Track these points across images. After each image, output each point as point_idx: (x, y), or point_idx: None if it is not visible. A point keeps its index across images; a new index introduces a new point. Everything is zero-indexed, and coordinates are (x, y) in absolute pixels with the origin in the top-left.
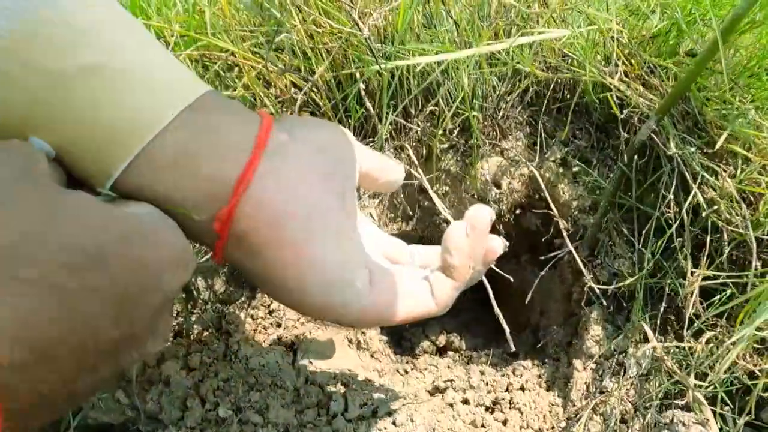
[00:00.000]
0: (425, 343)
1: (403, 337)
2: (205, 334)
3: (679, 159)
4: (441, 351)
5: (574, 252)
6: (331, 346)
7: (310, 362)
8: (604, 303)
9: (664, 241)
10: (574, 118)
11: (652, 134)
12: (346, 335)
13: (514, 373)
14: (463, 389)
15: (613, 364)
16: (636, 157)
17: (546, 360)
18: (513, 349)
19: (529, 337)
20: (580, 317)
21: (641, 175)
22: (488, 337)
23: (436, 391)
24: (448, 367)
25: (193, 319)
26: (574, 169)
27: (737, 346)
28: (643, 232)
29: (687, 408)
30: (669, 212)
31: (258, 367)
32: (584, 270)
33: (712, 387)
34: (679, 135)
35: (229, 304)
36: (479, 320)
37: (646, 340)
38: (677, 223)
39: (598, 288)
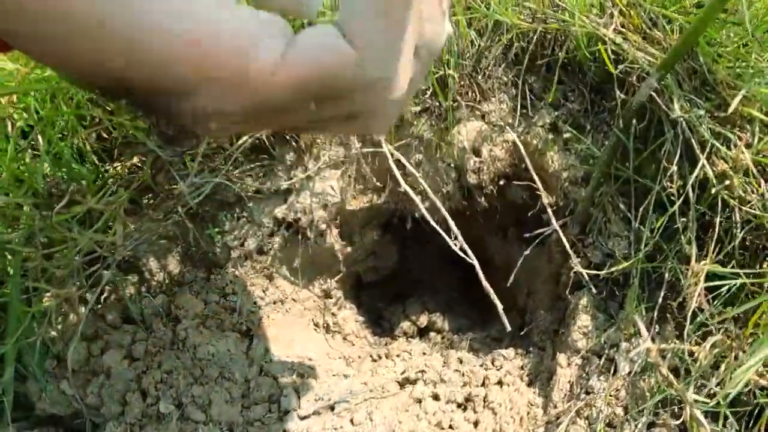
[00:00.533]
0: (405, 324)
1: (382, 317)
2: (154, 320)
3: (684, 124)
4: (422, 332)
5: (559, 232)
6: (294, 331)
7: (267, 350)
8: (593, 290)
9: (665, 220)
10: (565, 77)
11: (652, 94)
12: (312, 318)
13: (493, 364)
14: (434, 382)
15: (603, 360)
16: (634, 121)
17: (530, 349)
18: (509, 328)
19: (516, 320)
20: (568, 303)
21: (640, 143)
22: (473, 318)
23: (406, 382)
24: (424, 353)
25: (143, 303)
26: (565, 136)
27: (753, 361)
28: (641, 208)
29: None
30: (672, 187)
31: (206, 357)
32: (571, 252)
33: (715, 403)
34: (685, 96)
35: (181, 286)
36: (463, 299)
37: (641, 333)
38: (681, 199)
39: (587, 273)
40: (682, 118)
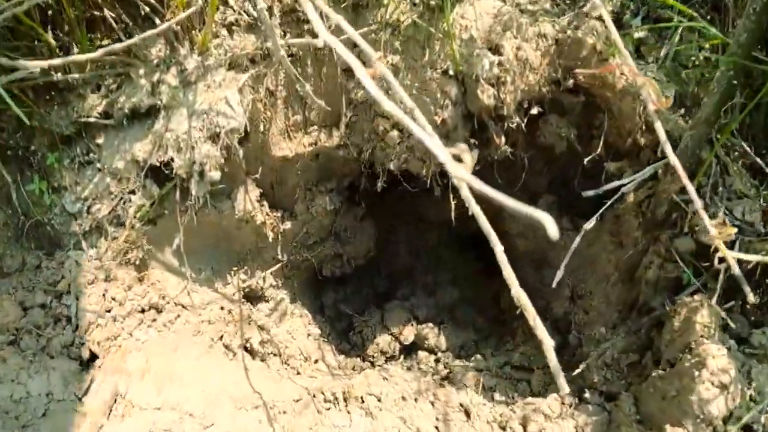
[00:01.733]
0: (383, 339)
1: (352, 327)
2: None
3: None
4: (408, 350)
5: (680, 172)
6: (181, 359)
7: (118, 395)
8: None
9: None
10: None
11: None
12: (220, 335)
13: (525, 427)
14: None
15: None
16: None
17: (586, 395)
18: (566, 389)
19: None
20: (661, 319)
21: None
22: (481, 328)
23: None
24: (403, 398)
25: None
26: (638, 34)
27: None
28: None
29: None
30: None
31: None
32: (702, 214)
33: None
34: None
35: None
36: (471, 301)
37: None
38: None
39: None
40: None
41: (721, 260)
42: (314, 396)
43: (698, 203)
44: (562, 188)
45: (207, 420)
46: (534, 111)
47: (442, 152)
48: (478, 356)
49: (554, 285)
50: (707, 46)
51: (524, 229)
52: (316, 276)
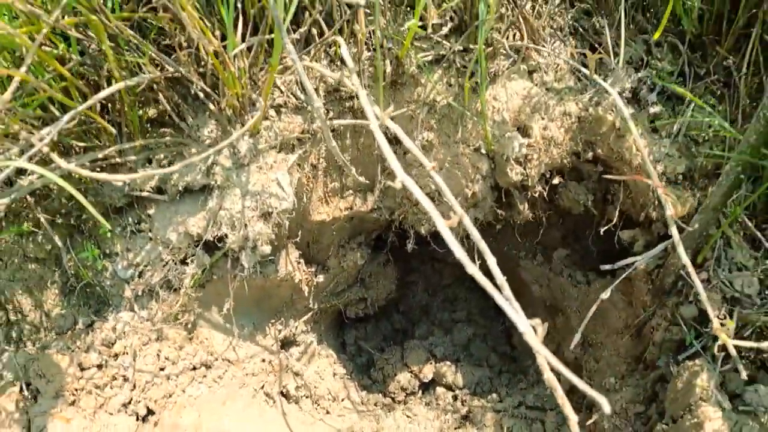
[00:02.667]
0: (403, 376)
1: (373, 363)
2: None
3: None
4: (425, 387)
5: (686, 261)
6: (229, 410)
7: None
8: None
9: None
10: (645, 20)
11: None
12: (262, 385)
13: None
14: None
15: None
16: None
17: None
18: (574, 425)
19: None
20: (664, 375)
21: None
22: (496, 364)
23: None
24: None
25: None
26: (653, 110)
27: None
28: None
29: None
30: None
31: None
32: (699, 289)
33: None
34: None
35: (59, 335)
36: (484, 337)
37: None
38: None
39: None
40: None
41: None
42: None
43: (700, 288)
44: (575, 242)
45: None
46: (555, 181)
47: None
48: (494, 395)
49: (572, 347)
50: (716, 122)
51: (539, 277)
52: (339, 317)
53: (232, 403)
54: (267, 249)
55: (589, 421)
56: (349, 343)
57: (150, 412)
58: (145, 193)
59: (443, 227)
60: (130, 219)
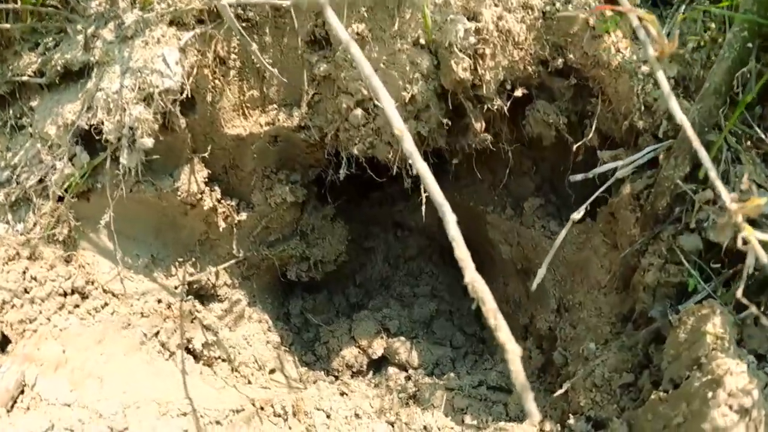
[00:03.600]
0: (350, 352)
1: (318, 338)
2: None
3: None
4: (376, 366)
5: (689, 132)
6: (108, 359)
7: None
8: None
9: None
10: None
11: None
12: (155, 330)
13: None
14: None
15: None
16: None
17: (571, 421)
18: (536, 416)
19: (534, 355)
20: (673, 334)
21: None
22: (459, 346)
23: None
24: (357, 415)
25: None
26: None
27: None
28: None
29: None
30: None
31: None
32: (719, 185)
33: None
34: None
35: None
36: (450, 316)
37: None
38: None
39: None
40: None
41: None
42: (262, 408)
43: (713, 173)
44: (551, 192)
45: (118, 423)
46: (518, 92)
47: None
48: (451, 374)
49: (533, 287)
50: (713, 26)
51: (508, 235)
52: (280, 279)
53: (111, 344)
54: (148, 142)
55: (557, 393)
56: (294, 314)
57: (5, 339)
58: (25, 78)
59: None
60: (11, 112)
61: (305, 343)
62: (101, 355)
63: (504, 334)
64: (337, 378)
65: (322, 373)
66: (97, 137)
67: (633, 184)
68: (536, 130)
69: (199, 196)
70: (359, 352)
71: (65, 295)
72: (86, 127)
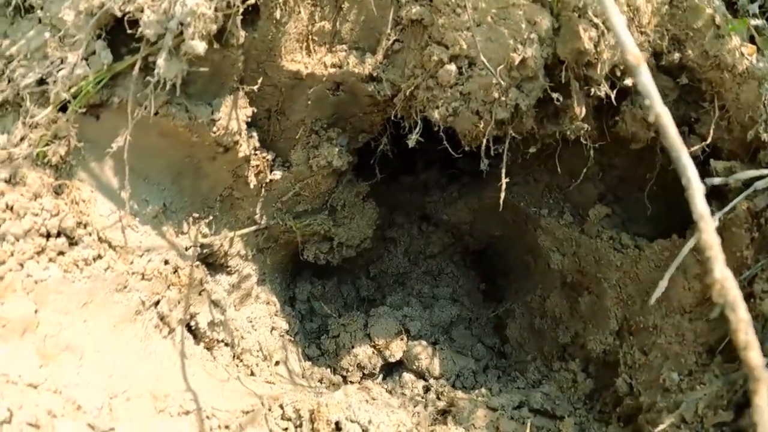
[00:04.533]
0: (363, 351)
1: (325, 330)
2: None
3: None
4: (388, 370)
5: None
6: (93, 332)
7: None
8: None
9: None
10: None
11: None
12: (158, 301)
13: None
14: None
15: None
16: None
17: None
18: None
19: (579, 379)
20: None
21: None
22: (480, 358)
23: None
24: None
25: None
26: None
27: None
28: None
29: None
30: None
31: None
32: None
33: None
34: None
35: None
36: (469, 323)
37: None
38: None
39: None
40: None
41: None
42: (269, 408)
43: None
44: (614, 203)
45: (102, 421)
46: (628, 82)
47: None
48: (483, 390)
49: (652, 301)
50: None
51: (563, 243)
52: (294, 258)
53: (99, 310)
54: (200, 47)
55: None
56: (300, 299)
57: None
58: None
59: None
60: None
61: (308, 334)
62: (84, 323)
63: (755, 356)
64: (344, 379)
65: (328, 370)
66: (129, 30)
67: (753, 201)
68: (631, 129)
69: (237, 138)
70: (374, 353)
71: (48, 236)
72: (118, 14)
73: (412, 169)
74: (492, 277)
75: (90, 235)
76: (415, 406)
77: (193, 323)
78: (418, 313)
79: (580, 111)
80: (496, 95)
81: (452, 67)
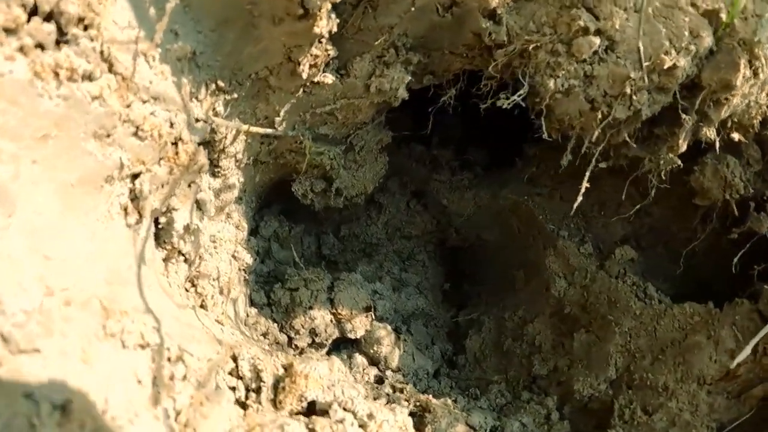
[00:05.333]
0: (322, 316)
1: (278, 277)
2: None
3: None
4: (336, 346)
5: None
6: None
7: None
8: None
9: None
10: None
11: None
12: (139, 169)
13: None
14: None
15: None
16: None
17: None
18: None
19: (554, 418)
20: None
21: None
22: (432, 356)
23: None
24: None
25: None
26: None
27: None
28: None
29: None
30: None
31: None
32: None
33: None
34: None
35: None
36: (428, 321)
37: None
38: None
39: None
40: None
41: None
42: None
43: None
44: (637, 249)
45: (26, 334)
46: (735, 136)
47: None
48: (448, 401)
49: (734, 364)
50: None
51: (575, 272)
52: (276, 186)
53: (60, 152)
54: None
55: None
56: (262, 235)
57: None
58: None
59: None
60: None
61: (257, 277)
62: (34, 164)
63: None
64: (290, 340)
65: (275, 326)
66: None
67: None
68: (707, 183)
69: (319, 4)
70: (332, 322)
71: (32, 13)
72: None
73: (428, 140)
74: (458, 279)
75: (91, 41)
76: (375, 399)
77: (163, 219)
78: (388, 293)
79: (683, 144)
80: (627, 91)
81: (595, 40)
